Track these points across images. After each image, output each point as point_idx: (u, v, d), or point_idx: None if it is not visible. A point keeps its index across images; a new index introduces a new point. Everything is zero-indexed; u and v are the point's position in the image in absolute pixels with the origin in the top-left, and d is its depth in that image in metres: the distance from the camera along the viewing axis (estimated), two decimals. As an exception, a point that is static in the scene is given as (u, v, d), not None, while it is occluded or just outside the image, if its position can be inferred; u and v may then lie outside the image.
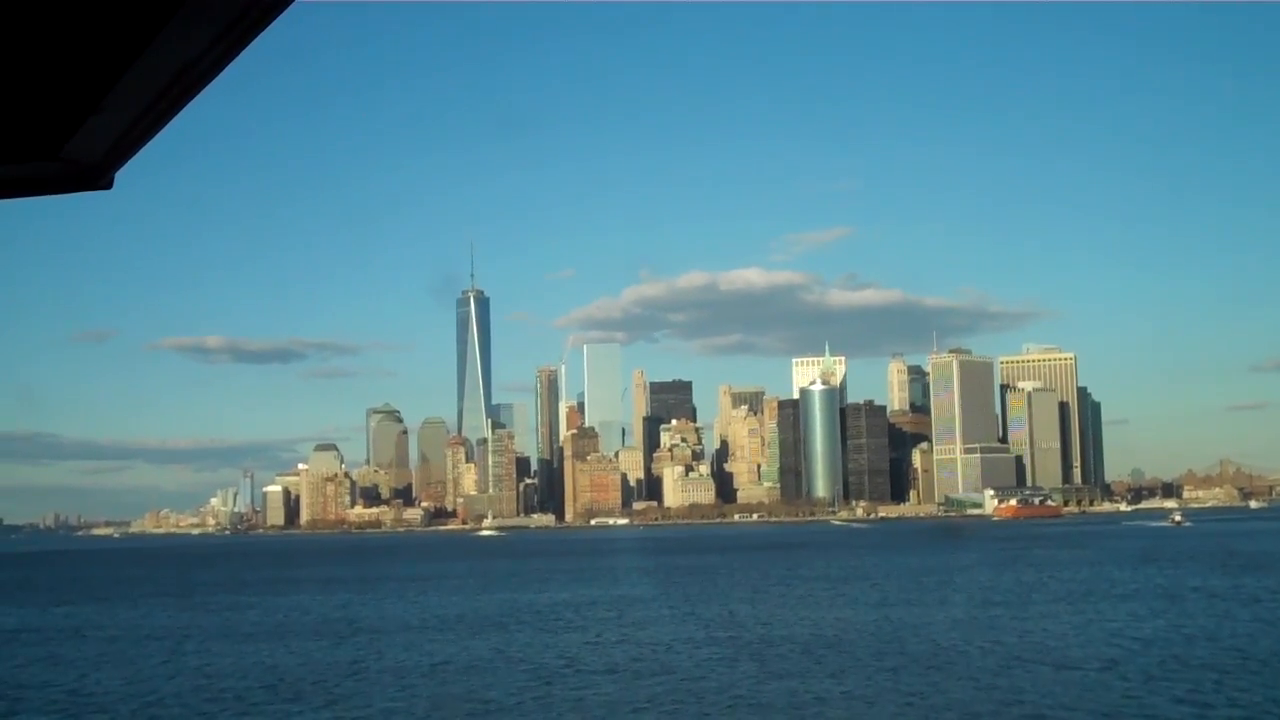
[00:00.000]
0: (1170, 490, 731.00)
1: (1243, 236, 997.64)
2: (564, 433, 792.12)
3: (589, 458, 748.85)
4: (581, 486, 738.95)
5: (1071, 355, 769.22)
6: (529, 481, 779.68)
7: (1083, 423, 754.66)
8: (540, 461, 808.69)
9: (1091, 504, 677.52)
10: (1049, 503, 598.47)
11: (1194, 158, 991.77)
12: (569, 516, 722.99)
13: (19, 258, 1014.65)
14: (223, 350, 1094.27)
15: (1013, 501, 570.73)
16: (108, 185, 7.19)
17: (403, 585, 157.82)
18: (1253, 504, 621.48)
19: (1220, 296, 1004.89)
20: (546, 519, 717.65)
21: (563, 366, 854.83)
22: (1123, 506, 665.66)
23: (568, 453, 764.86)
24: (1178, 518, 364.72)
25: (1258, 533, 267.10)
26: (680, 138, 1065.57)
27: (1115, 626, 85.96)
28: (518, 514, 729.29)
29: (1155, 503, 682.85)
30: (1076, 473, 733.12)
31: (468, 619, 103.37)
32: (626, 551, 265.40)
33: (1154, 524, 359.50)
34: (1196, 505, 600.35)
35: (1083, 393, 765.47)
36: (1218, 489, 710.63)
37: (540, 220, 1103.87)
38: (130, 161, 6.97)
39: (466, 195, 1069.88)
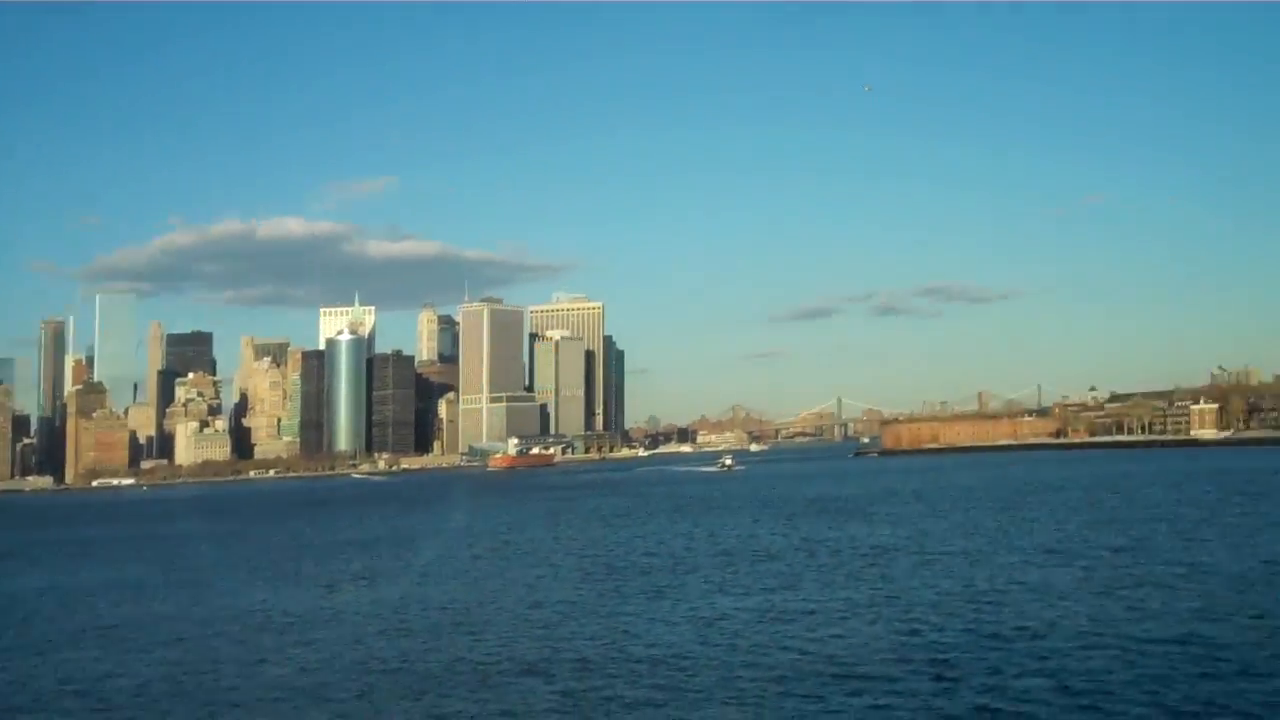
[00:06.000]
0: (685, 435, 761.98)
1: (779, 192, 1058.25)
2: (69, 389, 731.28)
3: (95, 415, 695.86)
4: (85, 445, 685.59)
5: (599, 305, 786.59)
6: (27, 441, 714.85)
7: (607, 371, 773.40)
8: (41, 420, 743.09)
9: (613, 450, 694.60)
10: (549, 450, 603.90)
11: (761, 107, 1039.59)
12: (70, 478, 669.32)
13: None
14: None
15: (511, 452, 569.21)
16: None
17: None
18: (753, 447, 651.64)
19: (752, 250, 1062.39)
20: (44, 481, 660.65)
21: (70, 319, 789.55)
22: (641, 452, 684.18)
23: (71, 410, 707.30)
24: (729, 461, 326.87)
25: (810, 475, 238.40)
26: (223, 72, 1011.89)
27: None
28: (12, 476, 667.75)
29: (671, 447, 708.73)
30: (599, 420, 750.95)
31: None
32: (103, 520, 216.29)
33: (703, 469, 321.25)
34: (710, 449, 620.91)
35: (608, 341, 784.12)
36: (729, 433, 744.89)
37: (68, 160, 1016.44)
38: None
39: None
